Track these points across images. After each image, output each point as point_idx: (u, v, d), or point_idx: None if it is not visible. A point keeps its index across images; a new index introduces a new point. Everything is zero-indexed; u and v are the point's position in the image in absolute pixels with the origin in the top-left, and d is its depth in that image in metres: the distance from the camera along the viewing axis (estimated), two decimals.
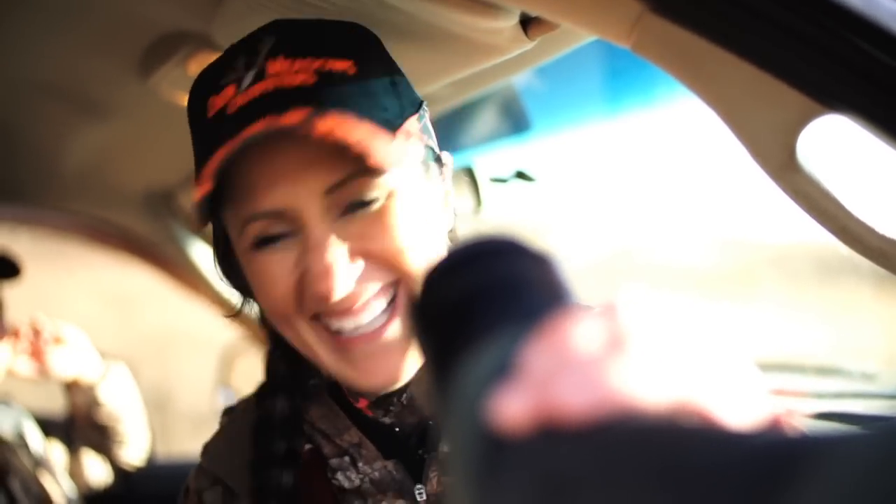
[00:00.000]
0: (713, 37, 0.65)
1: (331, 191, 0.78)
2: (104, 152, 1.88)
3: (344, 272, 0.78)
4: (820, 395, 1.50)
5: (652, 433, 0.36)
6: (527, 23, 0.92)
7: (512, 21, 0.89)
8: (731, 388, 0.38)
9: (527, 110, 1.44)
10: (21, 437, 1.98)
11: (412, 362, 0.84)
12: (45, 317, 2.07)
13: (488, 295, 0.48)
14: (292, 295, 0.80)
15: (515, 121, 1.45)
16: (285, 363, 0.95)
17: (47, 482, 1.89)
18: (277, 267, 0.80)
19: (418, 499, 0.88)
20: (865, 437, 0.31)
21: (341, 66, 0.80)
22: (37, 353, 2.01)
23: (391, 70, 0.87)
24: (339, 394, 0.94)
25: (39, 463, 1.94)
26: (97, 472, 2.18)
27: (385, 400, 0.89)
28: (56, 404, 2.29)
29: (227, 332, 2.75)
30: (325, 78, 0.79)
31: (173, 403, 6.21)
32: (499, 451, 0.38)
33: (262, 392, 0.96)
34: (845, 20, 0.61)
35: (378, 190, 0.79)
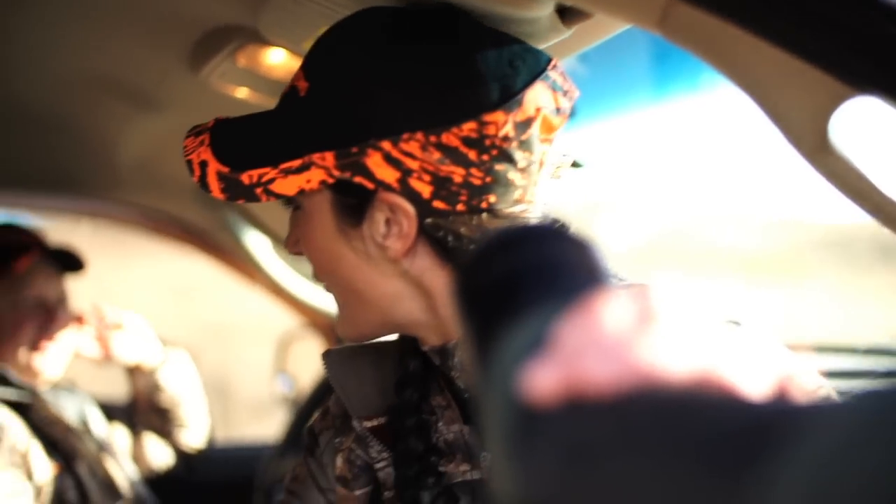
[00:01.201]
0: (740, 22, 0.65)
1: None
2: (159, 144, 1.93)
3: None
4: (869, 375, 1.49)
5: (671, 404, 0.38)
6: (563, 11, 0.92)
7: (548, 10, 0.90)
8: (749, 361, 0.40)
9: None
10: (85, 423, 2.03)
11: None
12: (108, 305, 2.13)
13: (528, 274, 0.51)
14: None
15: None
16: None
17: (111, 466, 1.94)
18: None
19: (483, 465, 0.89)
20: (855, 401, 0.33)
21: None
22: (101, 339, 2.08)
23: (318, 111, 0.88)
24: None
25: (104, 447, 1.99)
26: (159, 456, 2.23)
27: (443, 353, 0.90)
28: (118, 391, 2.36)
29: (285, 320, 2.80)
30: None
31: (233, 390, 6.31)
32: (530, 421, 0.41)
33: (404, 345, 0.98)
34: (873, 2, 0.61)
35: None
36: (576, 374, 0.39)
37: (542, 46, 0.96)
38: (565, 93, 0.84)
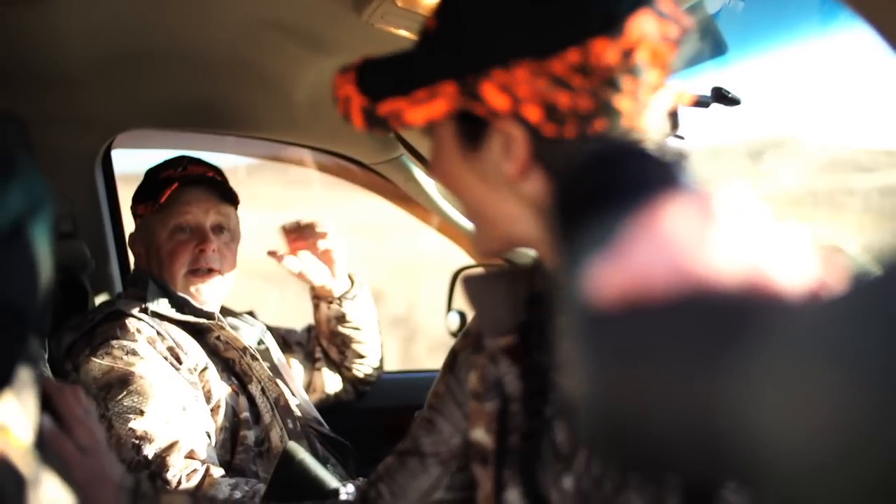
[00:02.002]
0: None
1: None
2: (328, 85, 2.00)
3: None
4: None
5: (716, 308, 0.41)
6: None
7: None
8: (787, 264, 0.42)
9: (722, 34, 1.41)
10: (262, 348, 2.16)
11: None
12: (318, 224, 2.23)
13: (611, 189, 0.55)
14: None
15: (712, 45, 1.42)
16: None
17: (283, 388, 2.05)
18: None
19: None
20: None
21: None
22: (302, 253, 2.20)
23: None
24: None
25: (277, 371, 2.11)
26: (333, 383, 2.34)
27: None
28: (295, 323, 2.48)
29: (463, 258, 2.86)
30: None
31: (414, 325, 6.48)
32: (593, 320, 0.45)
33: (536, 267, 1.03)
34: None
35: None
36: (633, 278, 0.43)
37: None
38: (674, 21, 0.84)
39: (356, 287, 2.30)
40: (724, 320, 0.40)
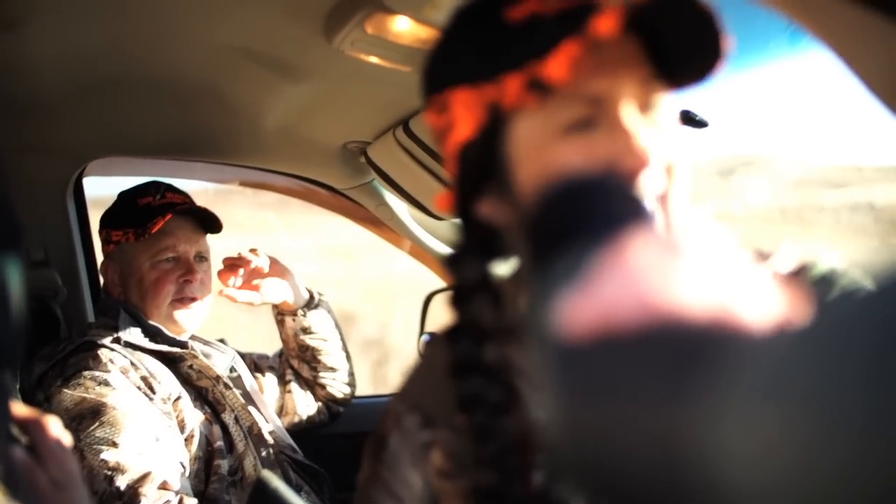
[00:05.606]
0: None
1: (643, 84, 0.83)
2: (300, 111, 2.01)
3: (653, 157, 0.80)
4: None
5: (685, 340, 0.42)
6: None
7: None
8: (757, 295, 0.43)
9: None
10: (233, 375, 2.15)
11: None
12: (252, 250, 2.26)
13: (580, 222, 0.56)
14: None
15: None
16: (489, 305, 0.93)
17: (257, 416, 2.05)
18: (586, 150, 0.81)
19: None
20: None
21: None
22: (249, 283, 2.22)
23: None
24: None
25: (249, 398, 2.11)
26: (305, 406, 2.34)
27: None
28: (267, 347, 2.48)
29: (434, 281, 2.87)
30: None
31: (386, 348, 6.46)
32: (564, 353, 0.46)
33: (459, 333, 0.94)
34: None
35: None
36: (604, 310, 0.44)
37: None
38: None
39: (316, 298, 2.34)
40: (691, 354, 0.40)
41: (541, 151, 0.83)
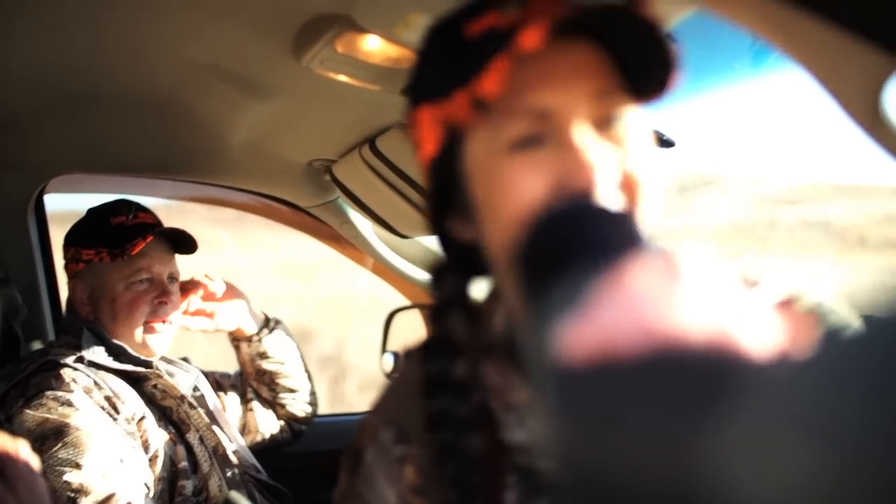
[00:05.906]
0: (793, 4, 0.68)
1: (598, 97, 0.80)
2: (268, 129, 2.00)
3: (605, 174, 0.77)
4: None
5: (686, 366, 0.42)
6: None
7: None
8: (756, 323, 0.44)
9: None
10: (197, 395, 2.14)
11: None
12: (207, 275, 2.26)
13: (574, 246, 0.57)
14: (544, 197, 0.78)
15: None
16: (464, 322, 0.93)
17: (221, 435, 2.03)
18: (534, 167, 0.79)
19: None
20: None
21: None
22: (202, 310, 2.23)
23: None
24: (514, 350, 0.91)
25: (213, 417, 2.09)
26: (267, 425, 2.33)
27: None
28: (228, 365, 2.47)
29: (394, 299, 2.86)
30: None
31: (343, 364, 6.44)
32: (564, 379, 0.46)
33: (433, 349, 0.95)
34: None
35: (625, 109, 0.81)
36: (602, 336, 0.44)
37: None
38: None
39: (271, 322, 2.34)
40: (693, 381, 0.41)
41: (489, 169, 0.82)
